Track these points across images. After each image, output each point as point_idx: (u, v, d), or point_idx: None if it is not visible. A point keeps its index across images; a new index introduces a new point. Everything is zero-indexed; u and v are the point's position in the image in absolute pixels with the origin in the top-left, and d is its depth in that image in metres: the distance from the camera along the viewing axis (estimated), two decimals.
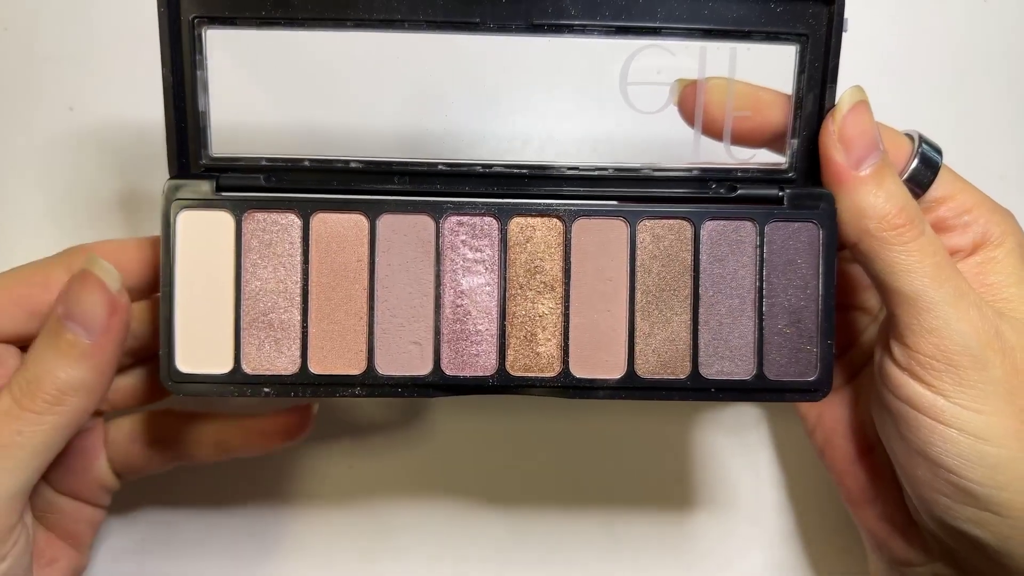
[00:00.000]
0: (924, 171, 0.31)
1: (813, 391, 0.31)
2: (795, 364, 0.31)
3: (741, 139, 0.32)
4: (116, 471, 0.34)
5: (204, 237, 0.30)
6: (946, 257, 0.29)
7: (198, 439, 0.33)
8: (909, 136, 0.32)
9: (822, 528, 0.42)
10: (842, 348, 0.36)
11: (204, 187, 0.30)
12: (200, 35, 0.30)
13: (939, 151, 0.31)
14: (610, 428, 0.42)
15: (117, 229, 0.40)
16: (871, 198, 0.29)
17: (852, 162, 0.29)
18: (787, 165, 0.32)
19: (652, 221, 0.31)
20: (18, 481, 0.28)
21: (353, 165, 0.31)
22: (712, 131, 0.32)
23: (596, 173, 0.32)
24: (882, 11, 0.42)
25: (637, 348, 0.31)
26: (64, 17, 0.40)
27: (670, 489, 0.42)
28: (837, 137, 0.29)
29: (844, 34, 0.31)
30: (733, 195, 0.31)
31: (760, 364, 0.31)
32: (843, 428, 0.35)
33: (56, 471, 0.32)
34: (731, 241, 0.31)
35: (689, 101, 0.32)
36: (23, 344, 0.31)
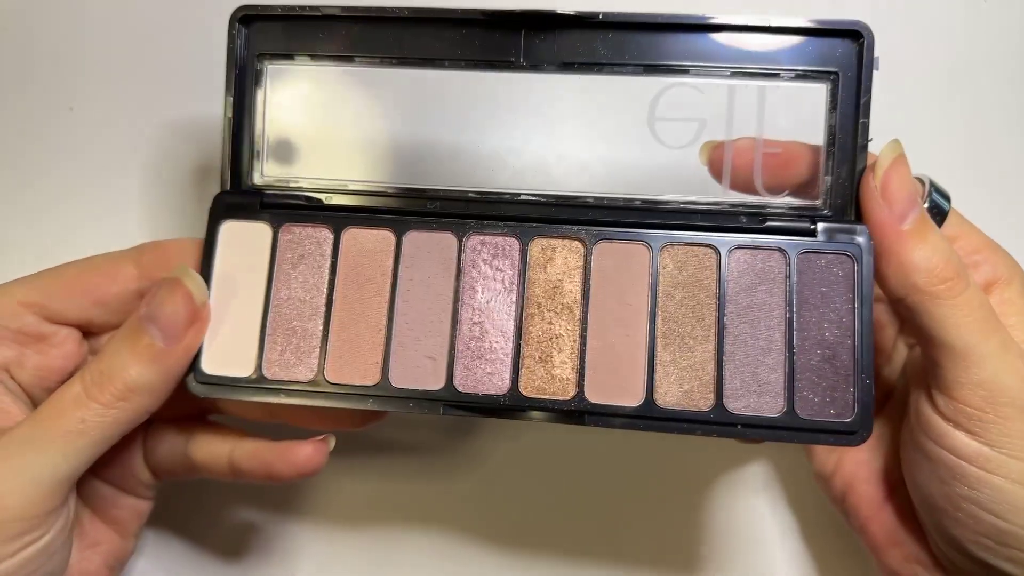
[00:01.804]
0: (934, 216, 0.31)
1: (850, 433, 0.29)
2: (830, 404, 0.29)
3: (772, 190, 0.32)
4: (151, 470, 0.34)
5: (243, 246, 0.32)
6: (991, 308, 0.29)
7: (214, 454, 0.33)
8: (920, 180, 0.31)
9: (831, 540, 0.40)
10: None
11: (249, 202, 0.32)
12: (262, 69, 0.33)
13: (948, 197, 0.31)
14: (613, 449, 0.41)
15: (115, 229, 0.40)
16: (918, 252, 0.29)
17: (896, 217, 0.29)
18: (821, 203, 0.31)
19: (675, 247, 0.31)
20: (70, 467, 0.29)
21: (390, 191, 0.33)
22: (742, 187, 0.32)
23: (623, 204, 0.32)
24: (882, 11, 0.42)
25: (657, 376, 0.30)
26: (63, 17, 0.41)
27: (676, 506, 0.40)
28: (880, 193, 0.29)
29: (876, 72, 0.31)
30: (762, 225, 0.31)
31: (791, 401, 0.29)
32: (866, 473, 0.34)
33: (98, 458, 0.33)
34: (758, 271, 0.30)
35: (717, 162, 0.32)
36: (86, 330, 0.33)
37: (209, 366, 0.31)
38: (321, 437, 0.32)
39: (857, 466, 0.34)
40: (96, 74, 0.43)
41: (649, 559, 0.39)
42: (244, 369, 0.31)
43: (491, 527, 0.40)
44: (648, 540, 0.40)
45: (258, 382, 0.31)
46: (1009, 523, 0.28)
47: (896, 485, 0.34)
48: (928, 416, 0.29)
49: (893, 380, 0.35)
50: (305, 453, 0.32)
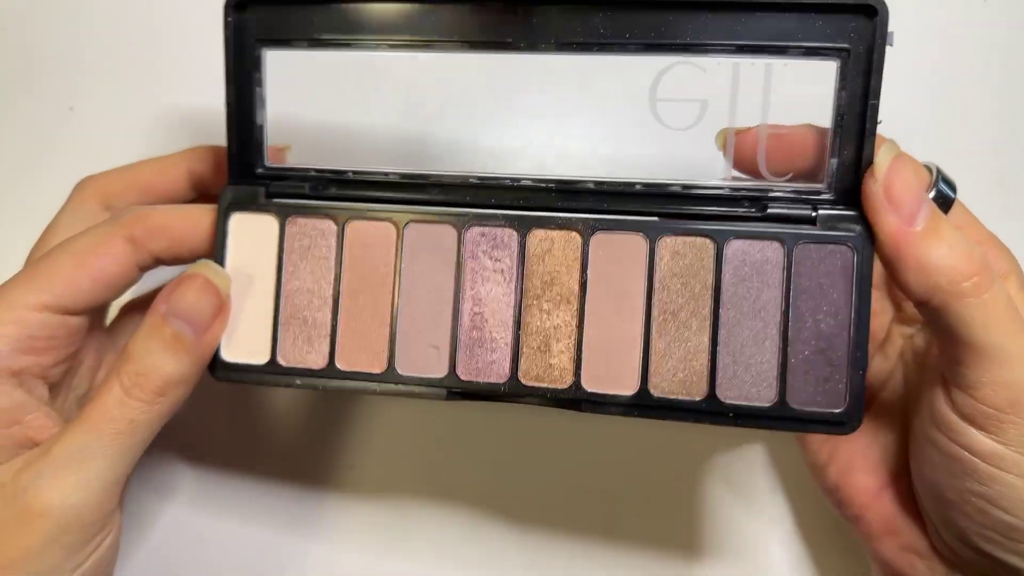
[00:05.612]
0: (940, 206, 0.30)
1: (841, 423, 0.29)
2: (822, 394, 0.29)
3: (777, 173, 0.31)
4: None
5: (252, 238, 0.33)
6: (1016, 307, 0.28)
7: None
8: (928, 168, 0.30)
9: (826, 528, 0.41)
10: None
11: (255, 193, 0.33)
12: (260, 55, 0.33)
13: (954, 186, 0.30)
14: (614, 433, 0.42)
15: None
16: (935, 252, 0.27)
17: (905, 220, 0.28)
18: (825, 186, 0.30)
19: (672, 238, 0.31)
20: (126, 466, 0.31)
21: (392, 177, 0.33)
22: (747, 170, 0.31)
23: (623, 188, 0.32)
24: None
25: (652, 366, 0.30)
26: (63, 17, 0.41)
27: (673, 491, 0.42)
28: (884, 197, 0.28)
29: (889, 48, 0.29)
30: (762, 214, 0.30)
31: (783, 391, 0.30)
32: (862, 462, 0.34)
33: None
34: (756, 262, 0.30)
35: (744, 148, 0.31)
36: (97, 311, 0.34)
37: (228, 354, 0.33)
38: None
39: (853, 456, 0.34)
40: (96, 74, 0.42)
41: (648, 556, 0.41)
42: (260, 356, 0.33)
43: (492, 519, 0.42)
44: (647, 537, 0.41)
45: (274, 369, 0.33)
46: (1018, 519, 0.28)
47: (894, 474, 0.34)
48: (943, 413, 0.29)
49: (888, 368, 0.35)
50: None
